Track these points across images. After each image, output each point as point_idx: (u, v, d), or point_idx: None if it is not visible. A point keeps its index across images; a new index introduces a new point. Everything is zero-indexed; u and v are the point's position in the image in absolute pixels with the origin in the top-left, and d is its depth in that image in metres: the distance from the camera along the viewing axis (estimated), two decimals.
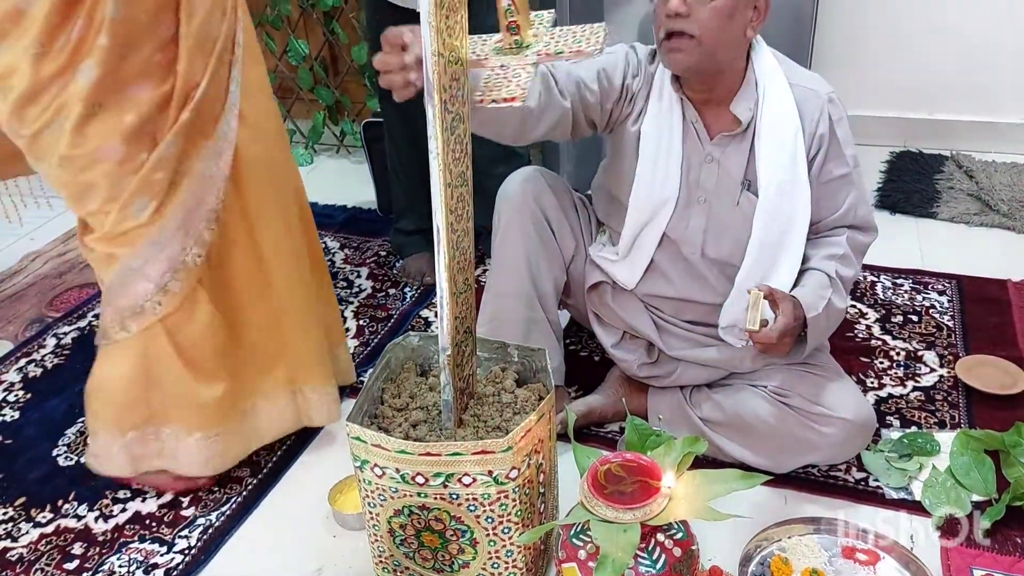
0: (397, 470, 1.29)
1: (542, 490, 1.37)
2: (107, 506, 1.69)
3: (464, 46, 1.16)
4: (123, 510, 1.68)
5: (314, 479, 1.72)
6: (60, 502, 1.71)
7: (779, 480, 1.59)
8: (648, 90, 1.59)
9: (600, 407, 1.78)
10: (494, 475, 1.26)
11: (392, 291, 2.35)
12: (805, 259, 1.59)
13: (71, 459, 1.81)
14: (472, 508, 1.30)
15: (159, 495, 1.70)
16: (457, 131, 1.18)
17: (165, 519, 1.66)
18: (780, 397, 1.61)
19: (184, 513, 1.67)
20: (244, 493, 1.70)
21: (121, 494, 1.71)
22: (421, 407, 1.42)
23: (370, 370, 1.74)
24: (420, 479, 1.28)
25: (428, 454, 1.26)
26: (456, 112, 1.16)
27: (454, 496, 1.29)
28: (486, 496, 1.28)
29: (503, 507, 1.29)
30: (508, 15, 1.20)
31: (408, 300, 2.30)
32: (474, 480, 1.27)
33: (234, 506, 1.67)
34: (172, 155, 1.44)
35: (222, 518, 1.65)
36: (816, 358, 1.66)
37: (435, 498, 1.30)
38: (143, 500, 1.70)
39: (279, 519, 1.66)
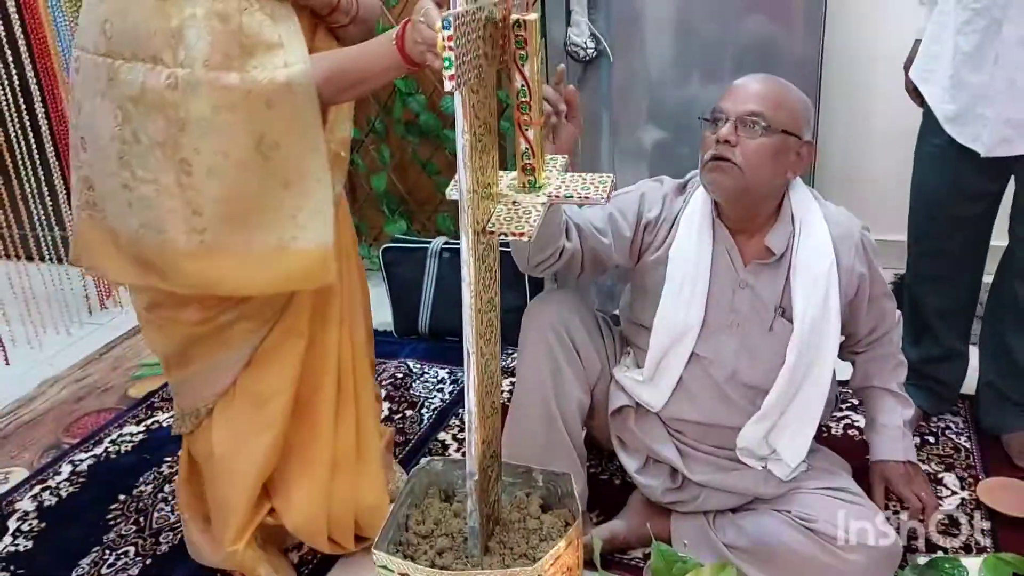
0: None
1: None
2: None
3: (495, 183, 1.23)
4: None
5: None
6: None
7: None
8: (673, 219, 1.67)
9: (623, 533, 1.75)
10: None
11: (409, 413, 2.35)
12: (865, 373, 1.78)
13: None
14: None
15: None
16: (488, 260, 1.23)
17: None
18: (804, 522, 1.59)
19: None
20: None
21: None
22: (446, 534, 1.41)
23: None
24: None
25: None
26: (487, 243, 1.22)
27: None
28: None
29: None
30: (525, 157, 1.27)
31: (426, 423, 2.31)
32: None
33: None
34: None
35: None
36: (839, 482, 1.66)
37: None
38: None
39: None
